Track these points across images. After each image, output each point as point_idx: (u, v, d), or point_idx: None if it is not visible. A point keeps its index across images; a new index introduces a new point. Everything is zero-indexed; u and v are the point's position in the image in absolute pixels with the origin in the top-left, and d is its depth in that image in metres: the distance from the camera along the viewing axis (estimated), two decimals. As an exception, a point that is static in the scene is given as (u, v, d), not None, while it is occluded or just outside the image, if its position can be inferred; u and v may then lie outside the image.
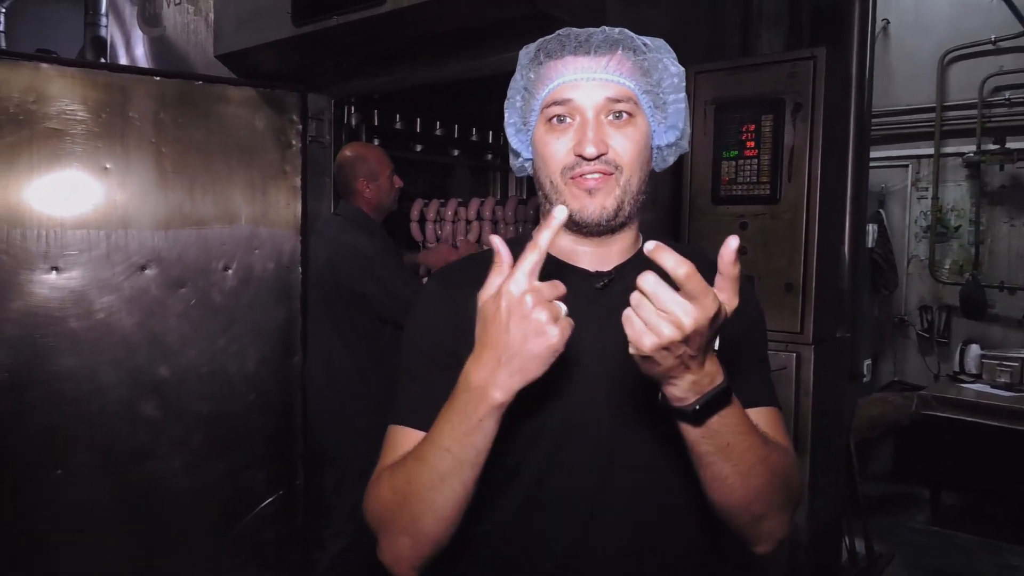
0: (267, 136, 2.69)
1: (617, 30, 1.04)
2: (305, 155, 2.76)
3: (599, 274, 1.07)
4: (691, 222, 2.36)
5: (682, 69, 1.06)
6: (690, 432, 0.89)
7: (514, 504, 1.05)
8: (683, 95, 1.06)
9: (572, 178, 1.00)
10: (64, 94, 2.33)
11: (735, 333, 0.99)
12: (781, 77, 2.19)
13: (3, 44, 5.90)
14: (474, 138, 3.40)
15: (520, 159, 1.14)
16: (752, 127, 2.23)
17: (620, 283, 1.06)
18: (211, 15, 2.87)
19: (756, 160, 2.23)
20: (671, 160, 1.12)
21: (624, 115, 1.01)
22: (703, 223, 2.33)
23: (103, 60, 4.24)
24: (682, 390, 0.84)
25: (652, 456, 1.04)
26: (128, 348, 2.48)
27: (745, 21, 2.73)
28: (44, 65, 2.31)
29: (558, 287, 0.84)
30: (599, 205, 1.00)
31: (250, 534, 2.73)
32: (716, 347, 0.86)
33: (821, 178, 2.15)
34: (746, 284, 1.08)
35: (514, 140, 1.13)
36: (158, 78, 2.48)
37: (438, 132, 3.25)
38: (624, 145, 1.01)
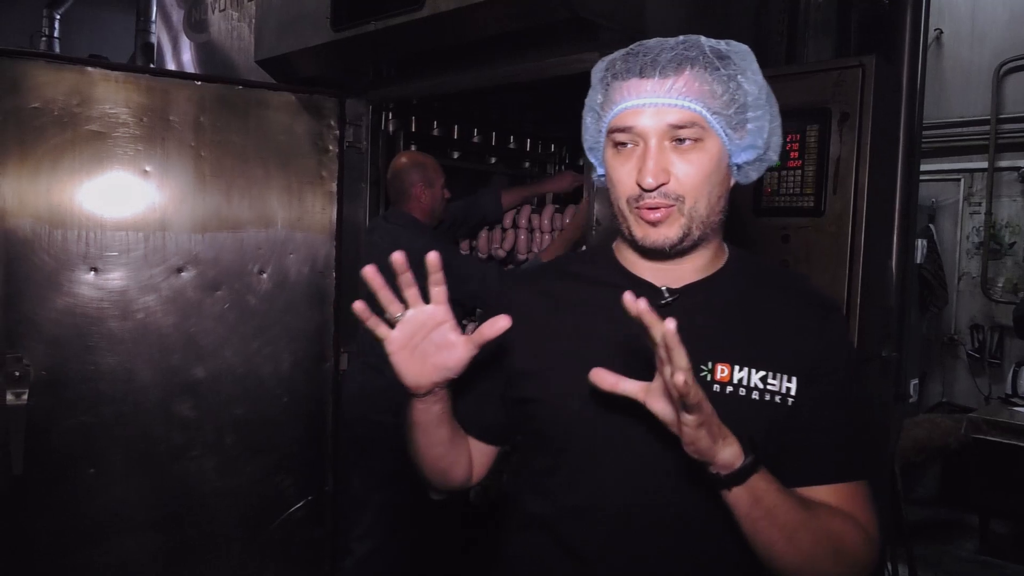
0: (305, 141, 2.70)
1: (691, 42, 1.00)
2: (342, 160, 2.76)
3: (664, 291, 1.04)
4: (732, 234, 2.29)
5: (763, 84, 1.01)
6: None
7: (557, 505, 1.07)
8: (764, 110, 1.00)
9: (636, 208, 0.99)
10: (107, 97, 2.37)
11: (799, 392, 0.98)
12: (827, 86, 2.11)
13: (57, 50, 6.07)
14: (511, 146, 3.38)
15: (596, 174, 1.13)
16: (796, 137, 2.16)
17: (689, 300, 1.04)
18: (254, 21, 2.90)
19: (800, 171, 2.16)
20: (755, 176, 1.07)
21: (689, 141, 0.97)
22: (744, 236, 2.27)
23: (150, 65, 4.32)
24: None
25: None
26: (164, 349, 2.50)
27: (791, 29, 2.65)
28: (89, 68, 2.35)
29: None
30: (662, 235, 0.99)
31: (279, 538, 2.73)
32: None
33: (868, 190, 2.07)
34: (819, 320, 1.04)
35: (589, 155, 1.12)
36: (199, 83, 2.51)
37: (475, 139, 3.23)
38: (688, 172, 0.97)
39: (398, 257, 0.90)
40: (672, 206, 0.98)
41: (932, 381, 5.49)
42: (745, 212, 2.26)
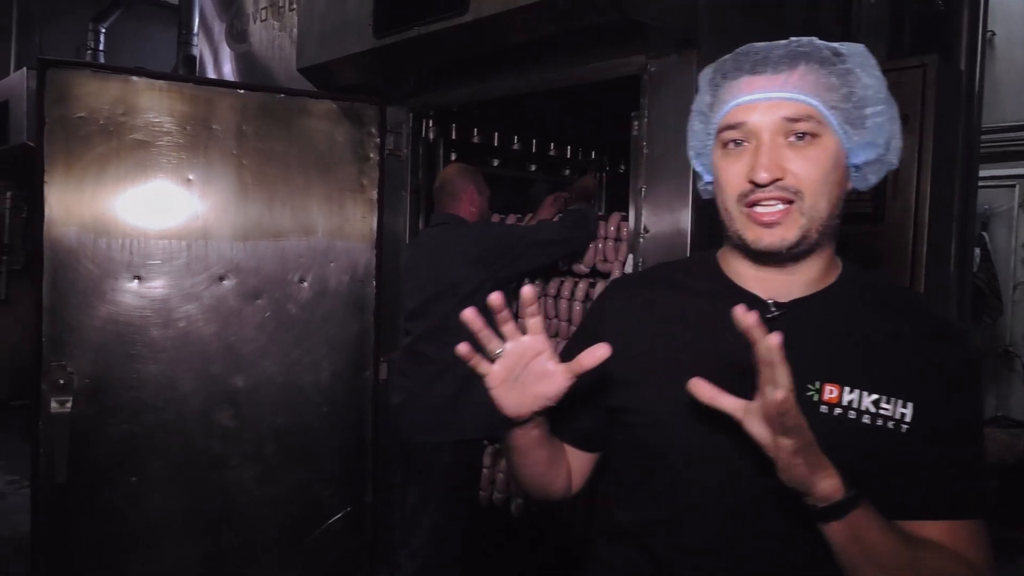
0: (345, 149, 2.68)
1: (804, 40, 0.95)
2: (382, 168, 2.74)
3: (770, 304, 0.98)
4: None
5: (882, 80, 0.94)
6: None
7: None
8: (885, 107, 0.94)
9: (747, 206, 0.93)
10: (151, 106, 2.38)
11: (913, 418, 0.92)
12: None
13: (102, 61, 6.19)
14: (552, 153, 3.33)
15: (702, 183, 1.08)
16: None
17: (797, 315, 0.97)
18: (295, 31, 2.91)
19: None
20: (874, 180, 1.00)
21: (806, 136, 0.92)
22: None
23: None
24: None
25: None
26: (205, 357, 2.50)
27: (844, 30, 2.57)
28: (134, 78, 2.36)
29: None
30: (778, 237, 0.92)
31: (318, 547, 2.71)
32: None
33: (931, 196, 1.99)
34: (943, 344, 0.97)
35: (695, 163, 1.08)
36: (241, 91, 2.51)
37: (515, 147, 3.19)
38: (805, 169, 0.91)
39: (496, 298, 0.90)
40: (791, 203, 0.91)
41: (987, 394, 5.30)
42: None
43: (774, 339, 0.74)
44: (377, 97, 2.71)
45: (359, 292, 2.74)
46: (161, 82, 2.40)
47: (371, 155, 2.73)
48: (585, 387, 1.01)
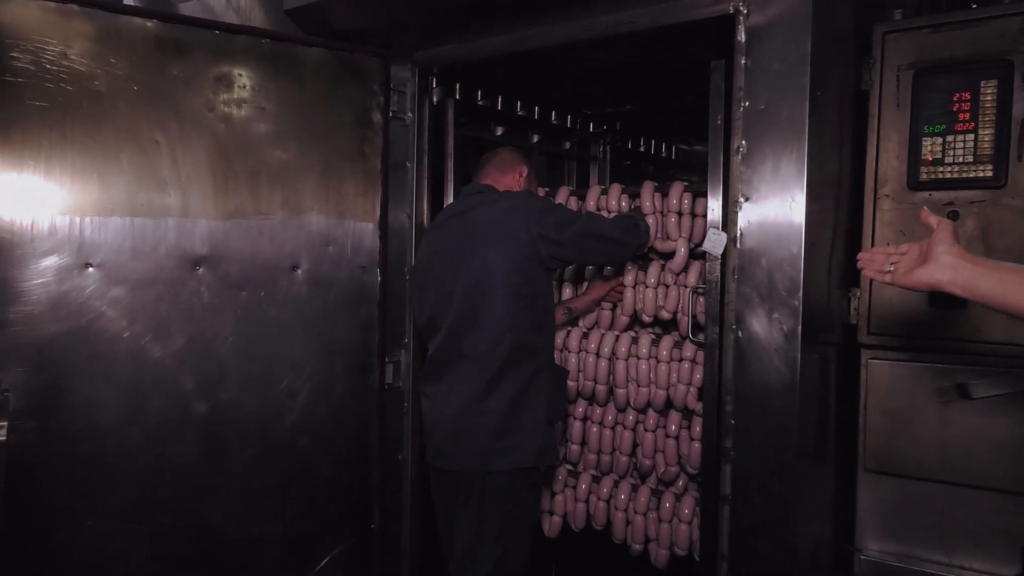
0: (345, 110, 2.23)
1: None
2: (387, 134, 2.31)
3: None
4: (878, 214, 1.94)
5: None
6: None
7: None
8: None
9: None
10: (105, 47, 1.86)
11: None
12: (1009, 33, 1.78)
13: None
14: (554, 121, 2.96)
15: None
16: (967, 95, 1.82)
17: None
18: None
19: (972, 135, 1.82)
20: None
21: None
22: (895, 214, 1.92)
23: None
24: None
25: None
26: (176, 365, 2.01)
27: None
28: (76, 7, 1.83)
29: None
30: None
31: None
32: None
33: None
34: None
35: None
36: (218, 32, 2.02)
37: (520, 112, 2.81)
38: None
39: None
40: None
41: None
42: (895, 186, 1.92)
43: None
44: (381, 48, 2.27)
45: (362, 281, 2.30)
46: (117, 16, 1.88)
47: (375, 118, 2.28)
48: None
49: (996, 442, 1.79)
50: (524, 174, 2.10)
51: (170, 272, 1.99)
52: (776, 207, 1.72)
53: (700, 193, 2.19)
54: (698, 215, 2.19)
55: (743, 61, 1.74)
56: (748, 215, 1.76)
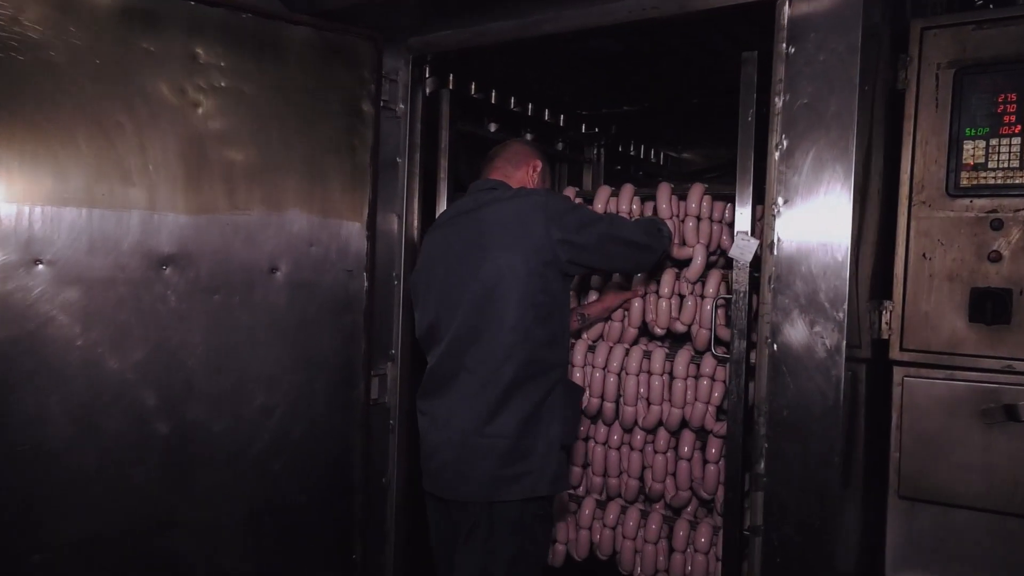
0: (332, 98, 2.02)
1: None
2: (378, 126, 2.10)
3: None
4: (913, 222, 1.81)
5: None
6: None
7: None
8: None
9: None
10: (64, 13, 1.62)
11: None
12: (1060, 31, 1.68)
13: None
14: (547, 119, 2.79)
15: None
16: (1012, 96, 1.71)
17: None
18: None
19: (1019, 138, 1.70)
20: None
21: None
22: (932, 223, 1.79)
23: None
24: None
25: None
26: (137, 379, 1.77)
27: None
28: (35, -30, 1.59)
29: None
30: None
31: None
32: None
33: None
34: None
35: None
36: (194, 2, 1.79)
37: (514, 108, 2.63)
38: None
39: None
40: None
41: None
42: (933, 192, 1.79)
43: None
44: (372, 30, 2.07)
45: (347, 287, 2.09)
46: (78, -20, 1.65)
47: (364, 108, 2.08)
48: None
49: (1047, 469, 1.67)
50: (538, 168, 1.90)
51: (132, 272, 1.74)
52: (819, 210, 1.57)
53: (718, 196, 2.04)
54: (715, 220, 2.03)
55: (785, 49, 1.59)
56: (787, 219, 1.61)
